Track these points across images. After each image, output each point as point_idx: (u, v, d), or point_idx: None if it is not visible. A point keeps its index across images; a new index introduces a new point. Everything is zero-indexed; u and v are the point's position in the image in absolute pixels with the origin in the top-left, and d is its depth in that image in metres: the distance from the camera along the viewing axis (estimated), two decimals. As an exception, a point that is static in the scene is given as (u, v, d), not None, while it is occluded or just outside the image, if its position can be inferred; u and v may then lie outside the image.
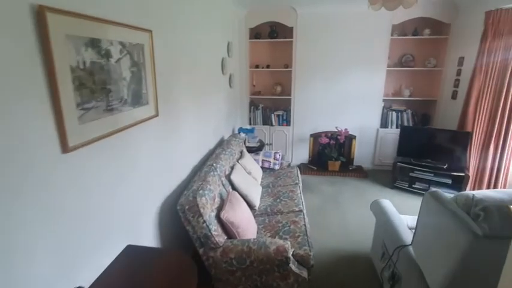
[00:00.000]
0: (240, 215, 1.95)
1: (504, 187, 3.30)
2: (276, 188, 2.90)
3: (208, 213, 1.76)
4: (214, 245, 1.74)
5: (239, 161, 2.82)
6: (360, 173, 4.22)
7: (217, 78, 3.17)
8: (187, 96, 2.29)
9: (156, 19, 1.77)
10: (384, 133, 4.28)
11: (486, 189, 3.39)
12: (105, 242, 1.34)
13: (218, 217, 1.85)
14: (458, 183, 3.36)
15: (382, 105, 4.21)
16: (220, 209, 1.91)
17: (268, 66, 4.41)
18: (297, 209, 2.43)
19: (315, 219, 2.98)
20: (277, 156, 3.39)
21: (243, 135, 3.68)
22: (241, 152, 3.08)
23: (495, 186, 3.33)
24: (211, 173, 2.14)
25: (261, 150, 3.67)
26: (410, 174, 3.66)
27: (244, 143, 3.65)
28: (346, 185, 3.93)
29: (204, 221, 1.70)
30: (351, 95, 4.25)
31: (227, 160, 2.57)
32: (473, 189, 3.43)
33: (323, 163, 4.33)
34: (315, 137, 4.43)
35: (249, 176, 2.77)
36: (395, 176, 3.76)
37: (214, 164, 2.28)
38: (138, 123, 1.58)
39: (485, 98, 3.24)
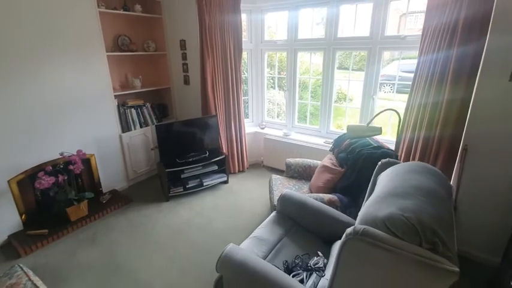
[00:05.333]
0: None
1: (246, 156, 3.79)
2: None
3: None
4: None
5: None
6: (120, 200, 3.04)
7: None
8: None
9: None
10: (129, 138, 3.30)
11: (238, 160, 3.73)
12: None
13: None
14: (222, 166, 3.40)
15: (116, 103, 3.12)
16: None
17: None
18: None
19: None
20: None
21: None
22: None
23: (242, 157, 3.75)
24: None
25: None
26: (182, 176, 3.17)
27: None
28: (113, 231, 2.64)
29: None
30: (70, 98, 2.70)
31: None
32: (230, 164, 3.65)
33: (56, 216, 2.61)
34: (23, 182, 2.48)
35: None
36: (168, 185, 3.09)
37: None
38: None
39: (218, 80, 3.32)
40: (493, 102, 1.88)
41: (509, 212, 1.87)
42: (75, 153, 2.64)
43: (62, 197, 2.62)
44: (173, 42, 3.48)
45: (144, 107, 3.42)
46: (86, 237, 2.56)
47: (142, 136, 3.40)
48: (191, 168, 3.16)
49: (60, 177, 2.54)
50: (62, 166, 2.62)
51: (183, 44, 3.39)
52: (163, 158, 3.10)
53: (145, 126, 3.43)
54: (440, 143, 2.20)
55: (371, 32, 2.84)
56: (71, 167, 2.60)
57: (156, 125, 2.99)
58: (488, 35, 1.82)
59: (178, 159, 3.13)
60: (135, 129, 3.33)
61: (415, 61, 2.35)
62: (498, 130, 1.89)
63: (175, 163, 3.09)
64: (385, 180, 1.28)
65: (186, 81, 3.56)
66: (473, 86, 1.97)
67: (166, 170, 2.97)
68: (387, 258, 0.93)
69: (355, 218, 1.62)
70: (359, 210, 1.67)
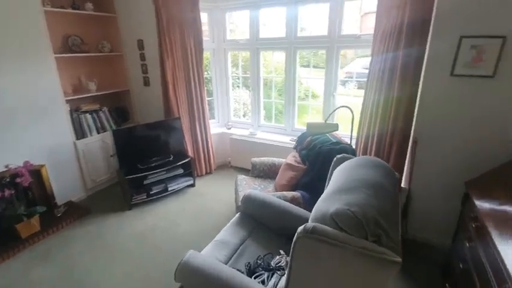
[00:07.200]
0: None
1: (213, 157, 3.74)
2: None
3: None
4: None
5: None
6: (77, 212, 2.84)
7: None
8: None
9: None
10: (85, 145, 3.09)
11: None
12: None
13: None
14: (188, 169, 3.31)
15: (68, 108, 2.91)
16: None
17: None
18: None
19: None
20: None
21: None
22: None
23: (208, 159, 3.69)
24: None
25: None
26: (144, 182, 3.04)
27: None
28: (70, 246, 2.46)
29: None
30: (14, 105, 2.47)
31: None
32: (196, 167, 3.56)
33: (6, 233, 2.38)
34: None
35: None
36: (130, 192, 2.94)
37: None
38: None
39: (180, 81, 3.23)
40: (437, 96, 2.01)
41: (457, 197, 2.00)
42: (21, 166, 2.42)
43: (10, 213, 2.39)
44: (130, 43, 3.32)
45: (101, 112, 3.23)
46: (40, 254, 2.36)
47: (100, 142, 3.21)
48: (154, 173, 3.04)
49: (7, 192, 2.32)
50: (8, 180, 2.41)
51: (140, 44, 3.25)
52: (123, 164, 2.95)
53: (103, 131, 3.24)
54: (393, 136, 2.31)
55: (329, 31, 2.92)
56: (18, 180, 2.38)
57: (113, 130, 2.83)
58: (430, 35, 1.94)
59: (140, 164, 3.00)
60: (91, 135, 3.13)
61: (370, 59, 2.45)
62: (443, 122, 2.03)
63: (137, 169, 2.95)
64: (336, 175, 1.31)
65: (146, 82, 3.41)
66: (419, 82, 2.10)
67: (127, 177, 2.83)
68: (335, 253, 0.94)
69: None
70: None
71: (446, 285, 1.87)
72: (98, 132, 3.20)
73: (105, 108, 3.27)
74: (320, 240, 0.95)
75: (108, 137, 3.24)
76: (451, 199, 2.08)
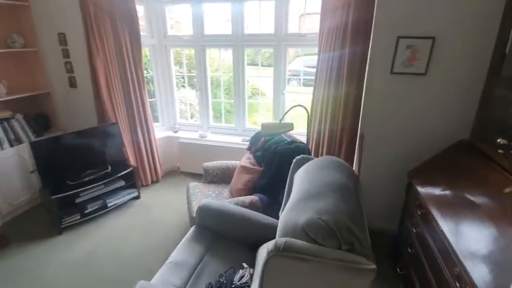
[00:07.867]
0: None
1: (159, 164, 3.43)
2: None
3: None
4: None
5: None
6: (-11, 244, 2.30)
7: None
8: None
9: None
10: (-7, 161, 2.51)
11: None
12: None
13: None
14: (131, 180, 2.96)
15: (-35, 118, 2.31)
16: None
17: None
18: None
19: None
20: None
21: None
22: None
23: (154, 166, 3.36)
24: None
25: None
26: (76, 200, 2.60)
27: None
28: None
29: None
30: None
31: None
32: (141, 176, 3.22)
33: None
34: None
35: None
36: (58, 214, 2.48)
37: None
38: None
39: (115, 81, 2.85)
40: (379, 93, 2.12)
41: (402, 186, 2.14)
42: None
43: None
44: (48, 37, 2.80)
45: (14, 120, 2.65)
46: None
47: (16, 157, 2.64)
48: (89, 189, 2.62)
49: None
50: None
51: (62, 39, 2.76)
52: (47, 182, 2.47)
53: (18, 144, 2.67)
54: (343, 132, 2.39)
55: (275, 29, 2.88)
56: None
57: (31, 142, 2.35)
58: (371, 37, 2.03)
59: (70, 180, 2.55)
60: (2, 149, 2.55)
61: (317, 57, 2.48)
62: (386, 116, 2.15)
63: (66, 186, 2.51)
64: (299, 180, 1.25)
65: (73, 83, 2.93)
66: (364, 80, 2.19)
67: (53, 197, 2.38)
68: (310, 268, 0.87)
69: (276, 216, 1.57)
70: (280, 207, 1.64)
71: (398, 269, 1.99)
72: (12, 145, 2.63)
73: (19, 116, 2.70)
74: (293, 257, 0.86)
75: (25, 150, 2.68)
76: (396, 189, 2.23)
